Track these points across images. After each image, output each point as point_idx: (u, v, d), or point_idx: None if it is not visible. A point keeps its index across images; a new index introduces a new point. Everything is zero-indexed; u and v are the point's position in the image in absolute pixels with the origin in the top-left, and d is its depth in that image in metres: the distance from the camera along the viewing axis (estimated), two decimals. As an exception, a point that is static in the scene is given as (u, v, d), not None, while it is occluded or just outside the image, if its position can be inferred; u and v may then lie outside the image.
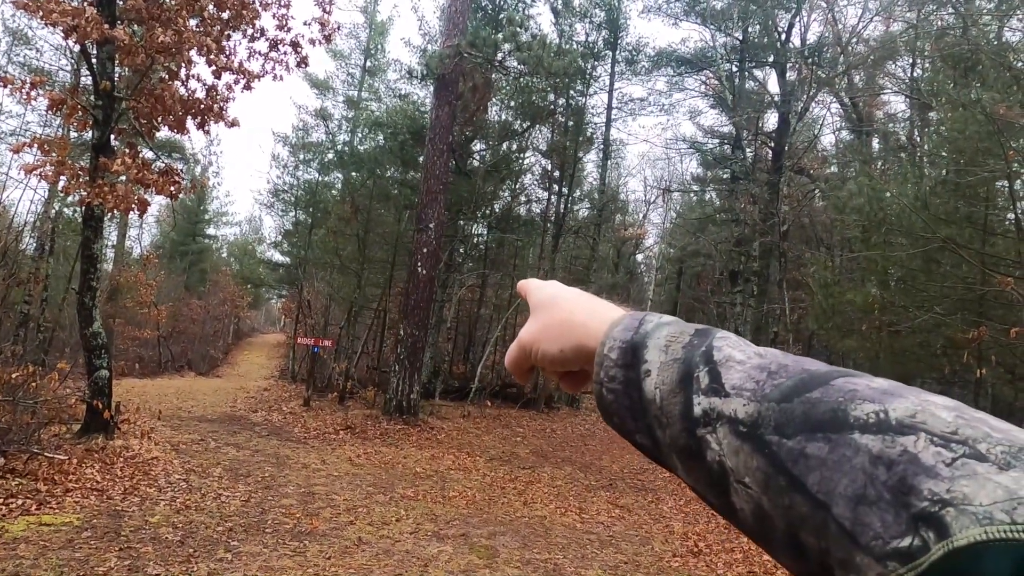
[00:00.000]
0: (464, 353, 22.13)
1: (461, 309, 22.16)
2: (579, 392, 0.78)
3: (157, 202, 21.38)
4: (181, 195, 9.33)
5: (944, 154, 15.16)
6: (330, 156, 23.05)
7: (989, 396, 13.35)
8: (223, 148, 75.26)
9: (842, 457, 0.37)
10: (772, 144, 23.14)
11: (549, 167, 23.11)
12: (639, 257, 43.34)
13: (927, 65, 18.35)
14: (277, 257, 29.97)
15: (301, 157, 23.86)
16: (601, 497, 10.70)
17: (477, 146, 20.87)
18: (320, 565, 5.82)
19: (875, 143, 22.02)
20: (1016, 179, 13.93)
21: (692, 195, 34.76)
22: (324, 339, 16.06)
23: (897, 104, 23.17)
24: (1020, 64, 12.19)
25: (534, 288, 0.68)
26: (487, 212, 20.61)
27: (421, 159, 16.48)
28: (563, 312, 0.62)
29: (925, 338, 12.35)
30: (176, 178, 8.97)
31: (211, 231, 40.60)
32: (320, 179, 23.78)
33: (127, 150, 8.87)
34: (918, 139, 18.96)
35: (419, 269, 14.17)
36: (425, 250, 14.21)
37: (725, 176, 26.60)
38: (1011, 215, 14.06)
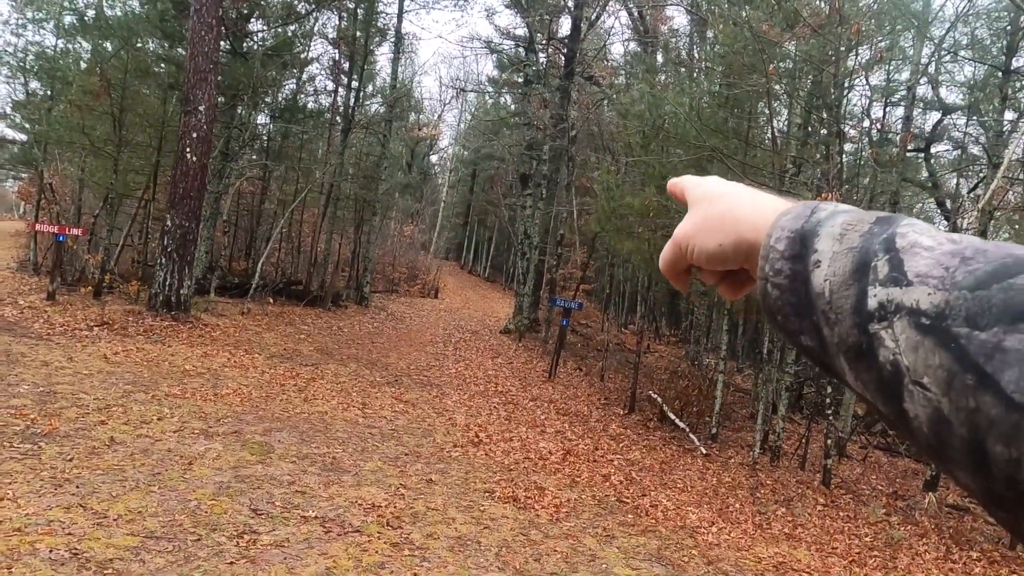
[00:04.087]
0: (245, 249, 20.59)
1: (241, 202, 20.45)
2: (738, 296, 0.63)
3: None
4: None
5: (717, 69, 16.22)
6: (70, 19, 19.36)
7: (742, 295, 14.87)
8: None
9: None
10: (564, 50, 23.36)
11: (338, 57, 21.53)
12: (433, 158, 42.90)
13: (708, -18, 19.24)
14: (8, 132, 25.28)
15: (30, 16, 19.79)
16: (386, 393, 10.57)
17: (255, 26, 18.80)
18: (59, 467, 5.04)
19: (659, 56, 23.09)
20: (775, 96, 15.36)
21: (487, 97, 34.69)
22: (73, 227, 13.92)
23: (680, 19, 24.36)
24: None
25: (691, 184, 0.62)
26: (269, 100, 18.85)
27: (187, 32, 14.45)
28: (724, 205, 0.56)
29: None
30: None
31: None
32: (60, 45, 20.01)
33: None
34: (696, 54, 20.13)
35: (188, 155, 12.65)
36: (195, 135, 12.67)
37: (519, 79, 26.66)
38: (768, 130, 15.57)
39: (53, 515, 4.33)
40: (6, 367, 7.52)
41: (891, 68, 15.07)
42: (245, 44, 17.72)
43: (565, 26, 23.52)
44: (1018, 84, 12.87)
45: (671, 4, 20.90)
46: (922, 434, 0.37)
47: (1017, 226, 13.90)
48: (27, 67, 19.27)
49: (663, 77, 20.94)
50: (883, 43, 14.23)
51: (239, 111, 17.22)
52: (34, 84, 19.77)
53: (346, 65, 20.92)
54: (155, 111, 15.91)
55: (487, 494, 6.84)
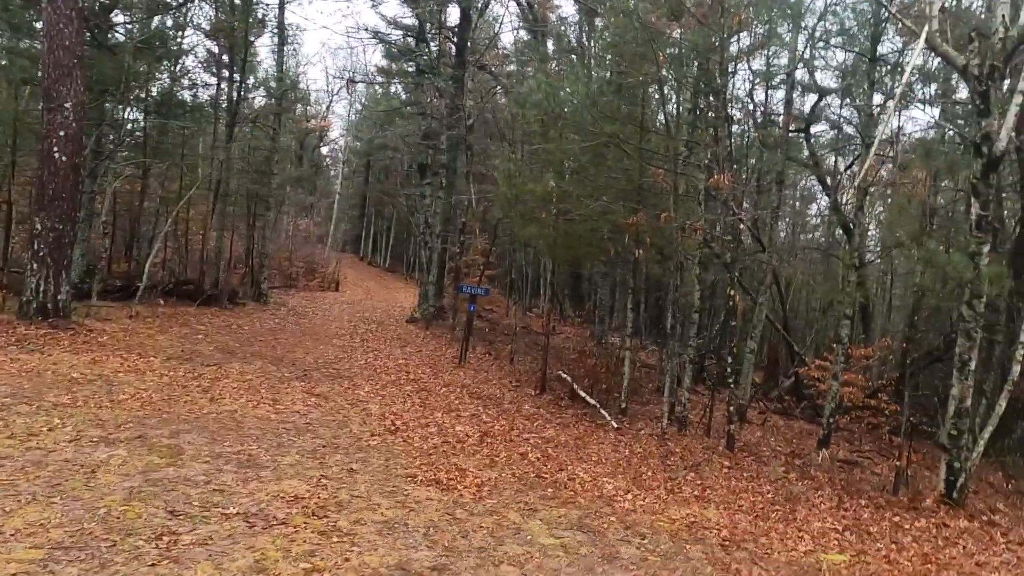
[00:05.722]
0: (126, 250, 19.35)
1: (119, 202, 19.16)
2: None
3: None
4: None
5: (608, 57, 16.60)
6: None
7: (644, 274, 15.35)
8: None
9: None
10: (455, 39, 23.26)
11: (216, 50, 20.50)
12: (324, 150, 41.70)
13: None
14: None
15: None
16: (296, 388, 10.27)
17: (120, 18, 17.59)
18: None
19: (550, 44, 23.40)
20: (665, 83, 15.89)
21: (377, 87, 33.99)
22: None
23: (568, 8, 24.73)
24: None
25: None
26: (142, 95, 17.68)
27: (40, 25, 13.36)
28: None
29: (595, 224, 13.61)
30: None
31: None
32: None
33: None
34: (586, 42, 20.53)
35: (56, 155, 11.73)
36: (62, 133, 11.77)
37: (410, 69, 26.31)
38: (661, 116, 16.10)
39: (-58, 534, 3.96)
40: None
41: (771, 54, 15.91)
42: (111, 37, 16.55)
43: (455, 15, 23.42)
44: (884, 69, 13.89)
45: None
46: None
47: (889, 199, 15.11)
48: None
49: (554, 64, 21.25)
50: (762, 31, 15.02)
51: (107, 107, 16.07)
52: None
53: (225, 57, 19.96)
54: (5, 107, 14.61)
55: (410, 479, 6.80)
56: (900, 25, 11.59)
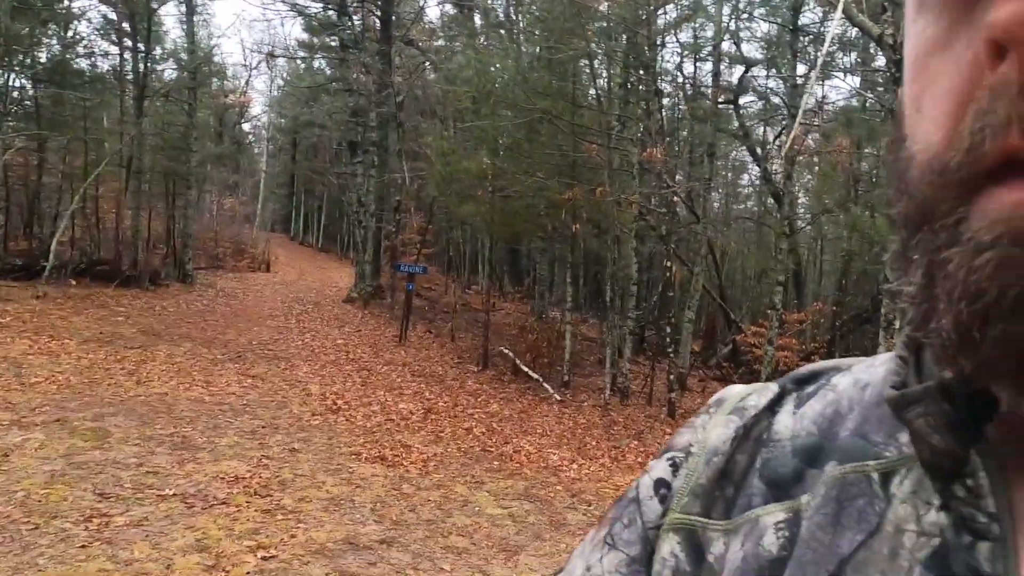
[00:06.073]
0: (24, 227, 18.05)
1: (12, 176, 17.80)
2: None
3: None
4: None
5: (537, 33, 16.43)
6: None
7: (581, 249, 15.35)
8: None
9: None
10: (379, 13, 22.61)
11: (115, 17, 19.22)
12: (246, 126, 40.10)
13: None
14: None
15: None
16: (230, 369, 9.82)
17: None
18: None
19: (477, 19, 23.05)
20: (595, 58, 15.86)
21: (299, 62, 32.81)
22: None
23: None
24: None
25: None
26: (26, 61, 16.37)
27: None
28: None
29: (531, 201, 13.51)
30: None
31: None
32: None
33: None
34: (515, 16, 20.31)
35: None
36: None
37: (334, 44, 25.48)
38: (592, 90, 16.08)
39: None
40: None
41: (697, 27, 16.06)
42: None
43: (378, -14, 22.73)
44: (806, 40, 14.22)
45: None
46: None
47: (817, 167, 15.59)
48: None
49: (483, 39, 20.95)
50: (688, 3, 15.16)
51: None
52: None
53: (127, 25, 18.72)
54: None
55: (354, 456, 6.61)
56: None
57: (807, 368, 0.50)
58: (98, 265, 15.40)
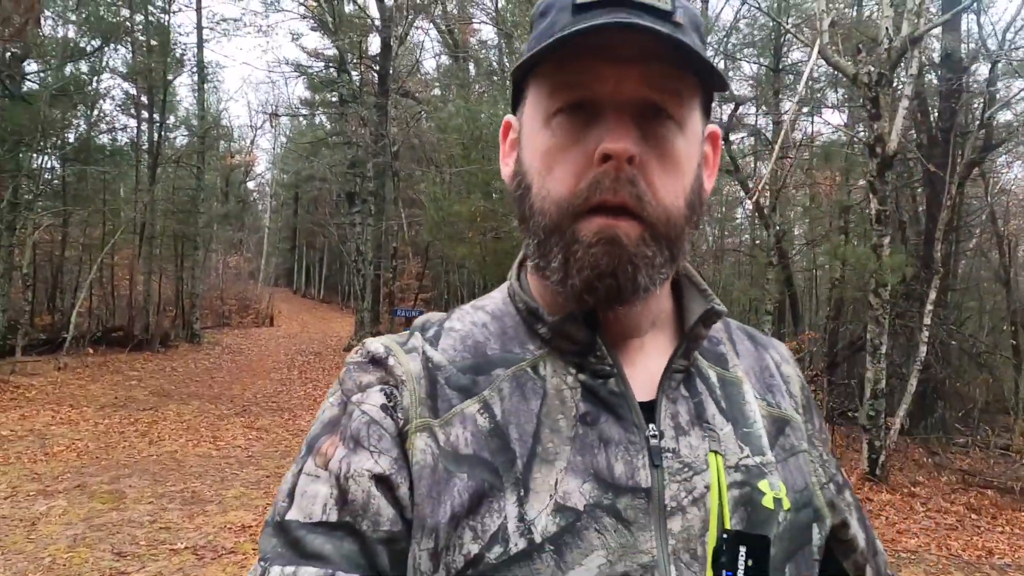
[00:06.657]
0: (48, 302, 18.72)
1: (39, 252, 18.54)
2: None
3: None
4: None
5: (528, 79, 17.02)
6: None
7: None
8: None
9: None
10: (377, 68, 23.47)
11: (134, 92, 20.13)
12: (251, 184, 41.10)
13: (508, -4, 20.13)
14: None
15: None
16: (236, 423, 10.24)
17: (32, 67, 17.13)
18: None
19: (471, 68, 23.81)
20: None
21: (301, 119, 33.82)
22: None
23: (488, 32, 25.18)
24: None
25: None
26: (58, 143, 17.21)
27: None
28: None
29: (520, 240, 13.85)
30: None
31: None
32: None
33: None
34: (507, 64, 21.02)
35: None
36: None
37: (334, 99, 26.35)
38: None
39: None
40: None
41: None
42: (21, 86, 16.11)
43: (376, 44, 23.63)
44: (791, 78, 14.92)
45: (475, 21, 21.67)
46: None
47: (807, 200, 16.24)
48: None
49: (477, 87, 21.65)
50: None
51: (20, 157, 15.58)
52: None
53: (144, 99, 19.63)
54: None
55: (357, 502, 6.92)
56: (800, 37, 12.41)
57: (418, 321, 0.77)
58: (112, 332, 15.98)
